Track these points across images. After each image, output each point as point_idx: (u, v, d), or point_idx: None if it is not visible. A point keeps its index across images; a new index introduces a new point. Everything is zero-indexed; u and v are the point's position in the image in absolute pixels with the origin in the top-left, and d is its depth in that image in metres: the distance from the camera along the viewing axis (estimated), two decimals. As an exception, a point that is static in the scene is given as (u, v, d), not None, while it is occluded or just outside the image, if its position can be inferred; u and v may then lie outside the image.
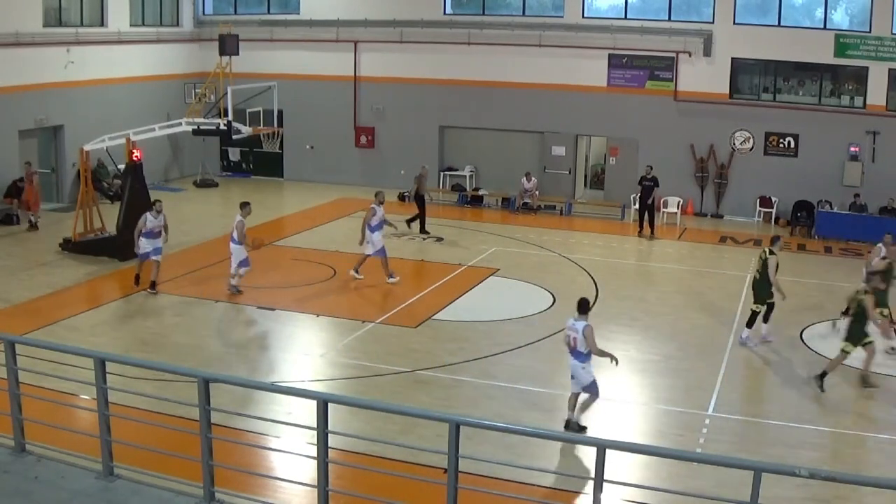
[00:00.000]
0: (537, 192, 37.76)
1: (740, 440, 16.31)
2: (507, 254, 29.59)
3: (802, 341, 22.33)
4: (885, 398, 18.88)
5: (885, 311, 21.13)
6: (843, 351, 19.04)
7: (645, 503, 13.51)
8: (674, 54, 37.55)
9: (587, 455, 10.09)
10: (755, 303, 21.90)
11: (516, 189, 37.94)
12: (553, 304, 24.20)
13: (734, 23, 36.97)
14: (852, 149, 36.46)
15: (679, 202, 36.59)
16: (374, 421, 15.46)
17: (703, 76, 37.41)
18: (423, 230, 32.08)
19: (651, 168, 34.29)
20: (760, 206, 37.17)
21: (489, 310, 23.52)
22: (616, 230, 34.45)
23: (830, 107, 37.07)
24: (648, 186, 33.49)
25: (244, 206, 24.54)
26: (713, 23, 37.15)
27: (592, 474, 9.37)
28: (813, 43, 36.16)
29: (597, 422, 16.78)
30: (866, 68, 36.22)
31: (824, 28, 36.48)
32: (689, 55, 37.39)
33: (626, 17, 38.20)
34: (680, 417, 17.33)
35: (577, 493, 13.22)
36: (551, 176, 39.22)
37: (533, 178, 37.75)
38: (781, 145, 37.37)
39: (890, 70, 36.06)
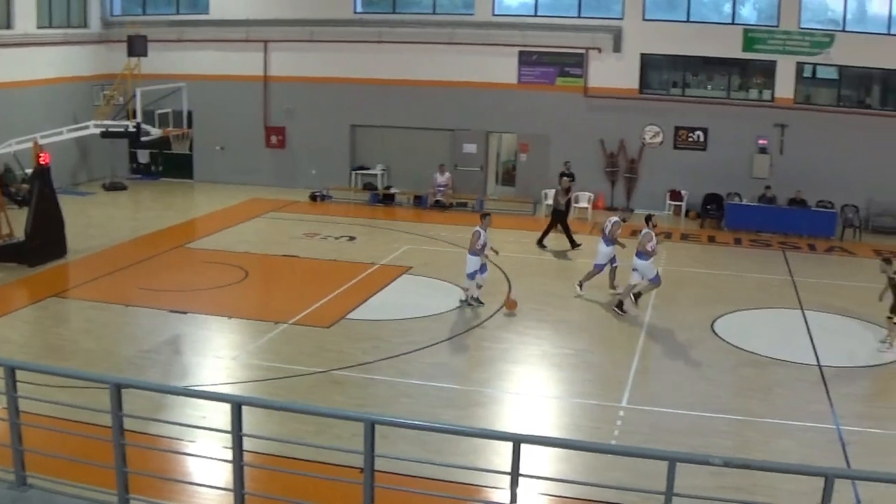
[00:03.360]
0: (451, 190, 37.79)
1: (654, 431, 16.43)
2: (419, 252, 29.56)
3: (714, 332, 22.60)
4: (793, 385, 19.17)
5: None
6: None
7: (562, 496, 13.55)
8: (584, 51, 37.78)
9: (503, 450, 10.09)
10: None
11: (428, 187, 37.92)
12: (466, 300, 24.22)
13: (643, 19, 37.32)
14: (761, 141, 37.01)
15: (590, 197, 36.84)
16: (288, 422, 15.33)
17: (613, 72, 37.69)
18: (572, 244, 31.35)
19: (568, 163, 34.50)
20: (670, 199, 37.57)
21: (402, 308, 23.46)
22: (528, 226, 34.57)
23: (739, 100, 37.61)
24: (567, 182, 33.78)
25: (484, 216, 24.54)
26: (622, 19, 37.46)
27: (509, 469, 9.35)
28: (721, 38, 36.63)
29: (512, 417, 16.84)
30: (774, 62, 36.80)
31: (732, 23, 37.00)
32: (599, 51, 37.65)
33: (536, 15, 38.36)
34: (594, 410, 17.42)
35: (494, 488, 13.21)
36: (463, 173, 39.24)
37: (447, 172, 37.80)
38: (691, 139, 37.80)
39: (797, 63, 36.69)
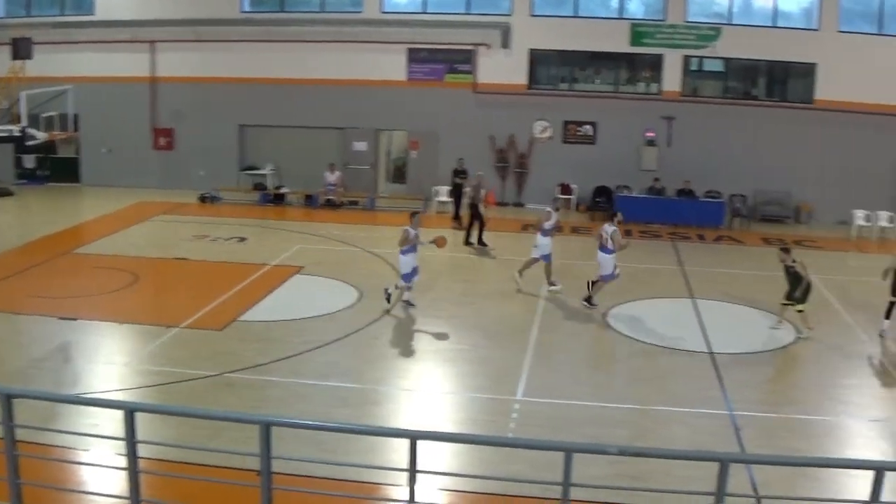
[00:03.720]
0: (341, 189, 37.68)
1: (551, 422, 16.52)
2: (311, 251, 29.40)
3: (606, 322, 22.84)
4: (686, 373, 19.45)
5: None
6: None
7: (461, 491, 13.56)
8: (472, 47, 37.98)
9: (400, 447, 10.08)
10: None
11: (319, 186, 37.75)
12: (359, 299, 24.15)
13: (531, 14, 37.68)
14: (649, 134, 37.60)
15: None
16: (183, 427, 15.11)
17: (502, 68, 37.95)
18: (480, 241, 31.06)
19: (462, 160, 34.62)
20: (561, 193, 37.87)
21: (295, 308, 23.28)
22: (419, 223, 34.59)
23: (627, 94, 38.16)
24: (460, 178, 33.89)
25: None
26: (511, 15, 37.73)
27: (406, 466, 9.33)
28: (609, 32, 37.14)
29: (407, 414, 16.83)
30: (661, 56, 37.43)
31: (620, 17, 37.54)
32: (488, 47, 37.87)
33: (424, 12, 38.43)
34: (490, 404, 17.46)
35: (393, 485, 13.19)
36: (353, 171, 39.20)
37: (337, 171, 37.70)
38: (580, 133, 38.23)
39: (684, 57, 37.35)
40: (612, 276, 24.10)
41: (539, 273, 25.57)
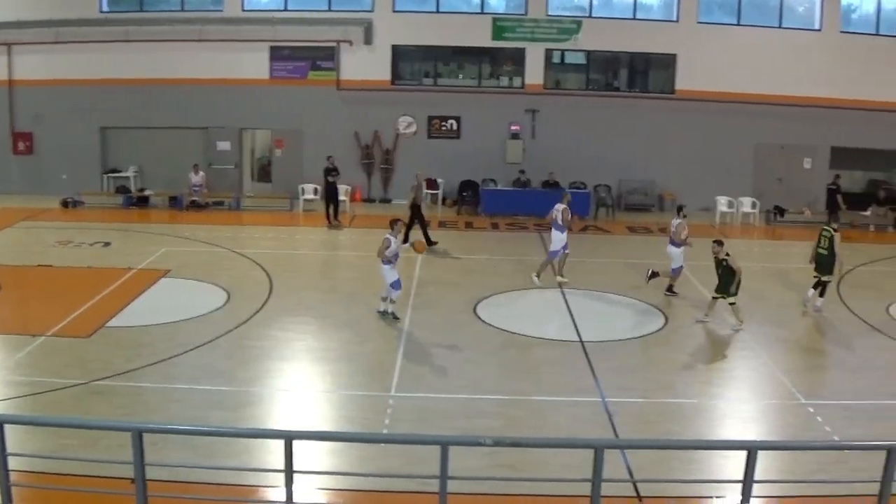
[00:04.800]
0: (206, 189, 37.32)
1: (426, 416, 16.60)
2: (177, 253, 29.02)
3: (476, 315, 23.04)
4: (558, 363, 19.73)
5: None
6: None
7: (339, 489, 13.55)
8: (335, 44, 37.88)
9: (276, 448, 10.06)
10: (825, 274, 23.71)
11: (183, 187, 37.31)
12: (228, 300, 23.96)
13: (394, 10, 37.76)
14: (513, 127, 38.03)
15: (347, 189, 36.92)
16: (55, 437, 14.85)
17: (365, 64, 38.00)
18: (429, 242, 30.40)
19: (331, 158, 34.49)
20: (427, 188, 37.97)
21: (164, 312, 22.94)
22: (286, 221, 34.51)
23: (490, 88, 38.54)
24: (332, 176, 33.82)
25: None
26: (373, 11, 37.78)
27: (282, 467, 9.34)
28: (471, 27, 37.43)
29: (282, 414, 16.79)
30: (523, 49, 37.83)
31: (482, 12, 37.81)
32: (351, 44, 37.86)
33: (286, 9, 38.24)
34: (364, 400, 17.47)
35: (271, 487, 13.15)
36: (218, 172, 38.91)
37: (201, 172, 37.29)
38: (444, 128, 38.45)
39: (546, 50, 37.83)
40: (678, 271, 25.27)
41: (409, 269, 25.69)
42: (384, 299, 22.64)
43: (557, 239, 25.74)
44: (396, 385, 18.15)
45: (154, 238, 31.39)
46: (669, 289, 25.15)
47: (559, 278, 26.08)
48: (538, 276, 25.90)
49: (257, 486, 13.52)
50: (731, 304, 22.33)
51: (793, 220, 36.95)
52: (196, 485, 12.82)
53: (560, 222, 25.61)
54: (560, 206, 25.78)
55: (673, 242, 25.03)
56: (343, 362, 19.65)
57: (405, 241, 29.15)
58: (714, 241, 22.59)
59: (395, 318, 22.45)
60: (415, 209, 30.74)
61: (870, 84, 38.03)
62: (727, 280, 22.15)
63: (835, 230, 23.68)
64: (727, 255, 22.25)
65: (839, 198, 35.91)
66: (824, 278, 23.72)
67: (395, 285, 22.27)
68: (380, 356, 19.90)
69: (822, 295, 23.86)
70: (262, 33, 37.92)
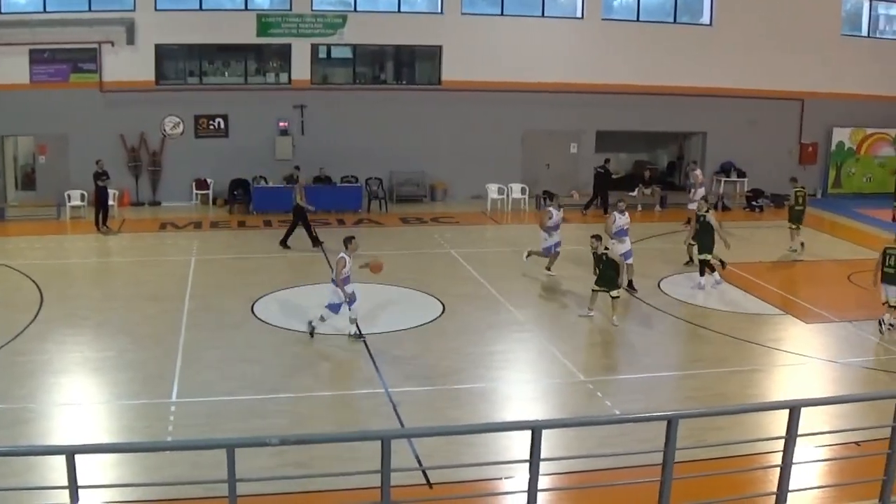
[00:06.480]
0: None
1: (209, 420, 16.41)
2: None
3: (254, 314, 22.96)
4: (339, 357, 19.78)
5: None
6: None
7: (126, 501, 13.24)
8: (97, 45, 36.88)
9: (57, 464, 9.74)
10: (709, 254, 25.42)
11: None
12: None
13: (156, 9, 36.98)
14: (281, 124, 37.90)
15: (115, 194, 35.94)
16: None
17: (128, 65, 37.11)
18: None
19: (101, 161, 33.39)
20: (196, 188, 37.69)
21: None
22: (54, 230, 33.44)
23: (257, 85, 38.33)
24: (102, 180, 32.88)
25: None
26: (135, 10, 36.91)
27: (65, 483, 9.09)
28: (236, 24, 37.10)
29: (62, 429, 16.28)
30: (289, 45, 37.69)
31: (246, 9, 37.55)
32: (113, 45, 36.91)
33: (45, 11, 36.89)
34: (145, 409, 17.11)
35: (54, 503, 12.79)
36: (-22, 180, 37.44)
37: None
38: (212, 127, 38.01)
39: (312, 45, 37.79)
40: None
41: (183, 271, 25.34)
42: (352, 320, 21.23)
43: (543, 238, 26.72)
44: (177, 391, 17.86)
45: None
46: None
47: (546, 272, 26.88)
48: (549, 268, 26.89)
49: (41, 504, 13.13)
50: (613, 297, 22.39)
51: (562, 204, 37.85)
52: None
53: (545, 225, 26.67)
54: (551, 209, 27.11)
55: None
56: (120, 371, 19.17)
57: (283, 243, 29.73)
58: (592, 237, 23.03)
59: (360, 336, 21.15)
60: (298, 210, 30.10)
61: (631, 69, 39.47)
62: (610, 274, 22.36)
63: (706, 210, 25.81)
64: (606, 249, 22.71)
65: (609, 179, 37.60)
66: (701, 257, 25.52)
67: (352, 302, 20.88)
68: (158, 362, 19.50)
69: (702, 274, 25.56)
70: (21, 36, 36.52)
